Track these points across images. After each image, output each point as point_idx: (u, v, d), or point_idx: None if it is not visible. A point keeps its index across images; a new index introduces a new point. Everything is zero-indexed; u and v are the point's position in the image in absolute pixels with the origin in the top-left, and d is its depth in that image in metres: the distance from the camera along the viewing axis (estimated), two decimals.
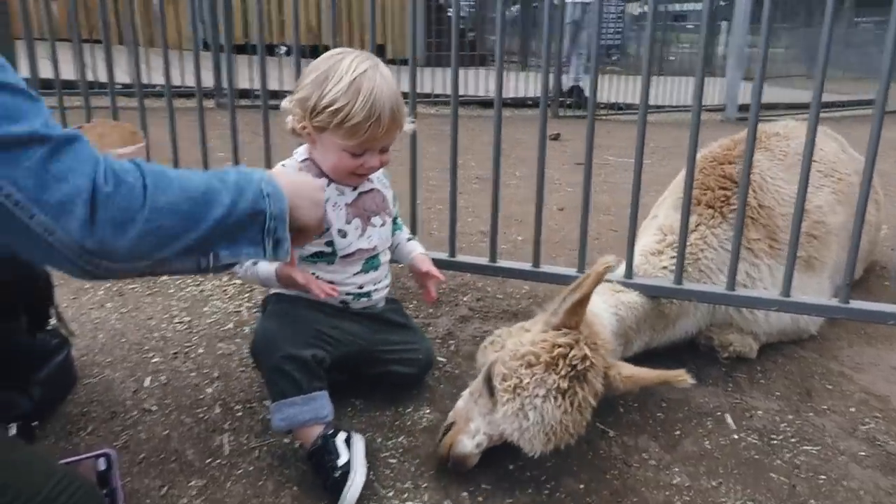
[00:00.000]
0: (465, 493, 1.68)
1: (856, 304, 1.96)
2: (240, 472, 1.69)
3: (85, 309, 2.41)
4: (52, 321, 1.86)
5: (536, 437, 1.57)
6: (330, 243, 1.78)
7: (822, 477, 1.79)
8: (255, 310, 2.43)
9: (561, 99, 8.67)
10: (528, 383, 1.57)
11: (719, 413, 2.03)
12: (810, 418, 2.02)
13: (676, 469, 1.81)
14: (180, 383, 2.00)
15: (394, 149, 1.80)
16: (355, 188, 1.83)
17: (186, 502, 1.59)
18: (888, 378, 2.24)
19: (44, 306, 1.79)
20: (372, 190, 1.88)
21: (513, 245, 3.38)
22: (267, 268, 1.74)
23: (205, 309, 2.42)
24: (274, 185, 1.23)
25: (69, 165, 0.99)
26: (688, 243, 2.06)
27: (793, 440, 1.93)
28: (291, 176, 1.43)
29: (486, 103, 8.36)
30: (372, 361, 1.94)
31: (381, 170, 1.95)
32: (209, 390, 1.98)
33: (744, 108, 8.62)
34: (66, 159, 0.99)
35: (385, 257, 1.94)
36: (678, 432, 1.95)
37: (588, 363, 1.59)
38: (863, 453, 1.88)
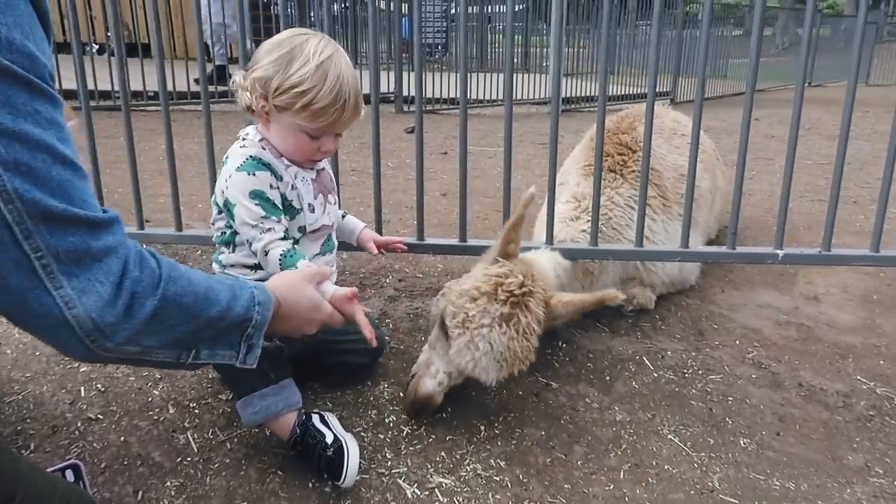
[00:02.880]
0: (443, 453, 1.77)
1: (741, 248, 2.32)
2: (216, 465, 1.65)
3: None
4: None
5: (490, 366, 1.73)
6: (302, 228, 1.77)
7: (730, 399, 2.10)
8: None
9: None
10: (474, 315, 1.72)
11: (637, 357, 2.29)
12: (708, 353, 2.35)
13: (616, 408, 2.02)
14: (120, 389, 1.87)
15: None
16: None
17: (167, 503, 1.52)
18: (757, 315, 2.65)
19: None
20: (324, 169, 1.89)
21: (413, 228, 3.47)
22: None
23: None
24: (265, 293, 1.29)
25: (109, 246, 1.02)
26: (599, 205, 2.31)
27: (700, 372, 2.23)
28: (304, 291, 1.44)
29: None
30: (326, 352, 1.94)
31: None
32: (156, 392, 1.87)
33: (567, 101, 9.38)
34: (106, 239, 1.02)
35: (335, 241, 1.96)
36: (608, 377, 2.17)
37: (525, 289, 1.77)
38: (755, 376, 2.23)
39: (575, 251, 2.26)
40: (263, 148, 1.72)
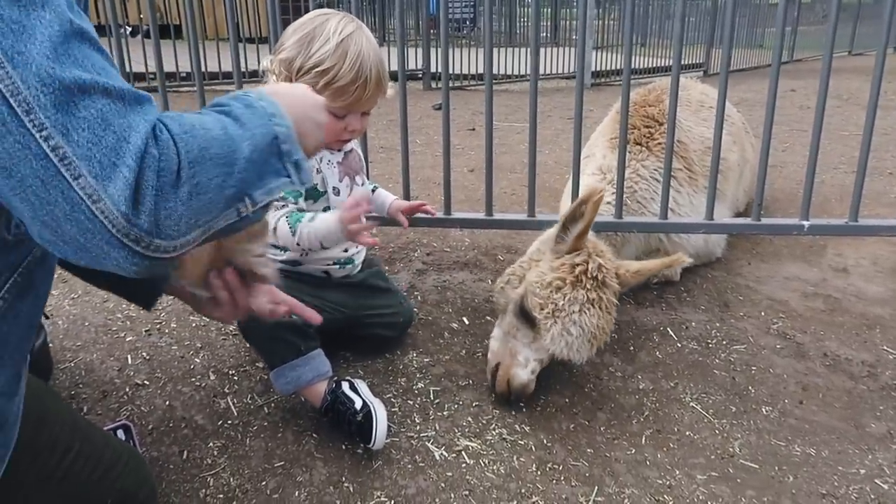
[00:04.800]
0: (469, 418, 1.84)
1: (766, 220, 2.33)
2: (255, 428, 1.74)
3: None
4: None
5: (583, 347, 1.80)
6: (327, 209, 1.84)
7: (754, 368, 2.13)
8: None
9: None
10: (563, 304, 1.79)
11: (661, 328, 2.33)
12: (733, 324, 2.37)
13: (639, 377, 2.07)
14: (164, 357, 1.98)
15: None
16: (341, 148, 1.89)
17: (210, 462, 1.63)
18: (783, 287, 2.66)
19: None
20: (352, 150, 1.95)
21: (441, 204, 3.52)
22: (327, 224, 1.69)
23: None
24: (273, 103, 1.05)
25: (133, 123, 0.83)
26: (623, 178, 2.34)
27: (724, 342, 2.26)
28: (288, 92, 1.18)
29: None
30: (355, 326, 2.01)
31: None
32: (197, 360, 1.98)
33: (597, 74, 9.26)
34: (130, 116, 0.83)
35: (364, 220, 2.01)
36: (632, 347, 2.21)
37: (604, 270, 1.83)
38: (779, 346, 2.25)
39: (600, 224, 2.29)
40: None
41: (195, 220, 0.88)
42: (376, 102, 1.78)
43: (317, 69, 1.64)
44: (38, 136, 0.77)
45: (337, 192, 1.85)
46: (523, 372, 1.83)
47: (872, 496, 1.63)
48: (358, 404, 1.69)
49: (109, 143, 0.81)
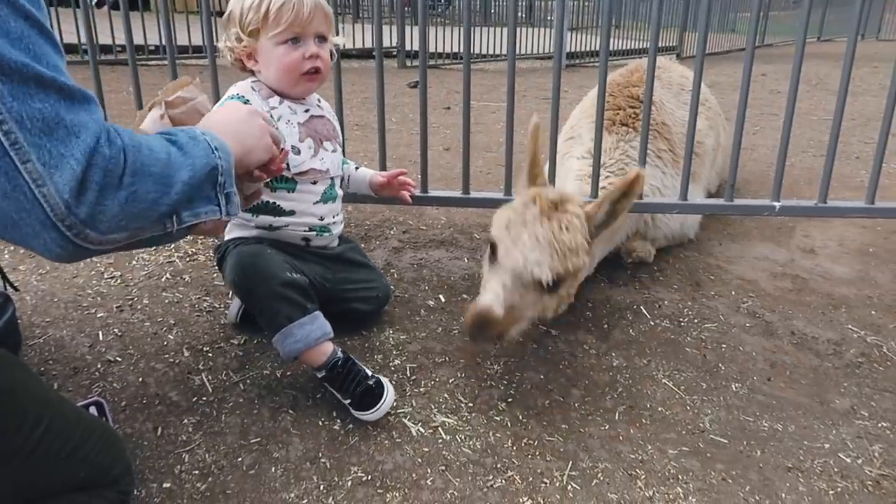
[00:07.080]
0: (446, 395, 1.85)
1: (739, 201, 2.36)
2: (230, 404, 1.73)
3: None
4: None
5: (542, 258, 1.73)
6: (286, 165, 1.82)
7: (724, 346, 2.17)
8: (189, 259, 2.38)
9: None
10: (515, 219, 1.80)
11: (635, 306, 2.36)
12: (704, 303, 2.42)
13: (613, 354, 2.10)
14: (137, 333, 1.95)
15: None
16: (307, 109, 1.87)
17: (185, 439, 1.61)
18: (753, 266, 2.71)
19: None
20: (323, 117, 1.93)
21: (416, 182, 3.51)
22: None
23: (133, 263, 2.33)
24: (217, 138, 1.16)
25: (83, 121, 0.91)
26: (613, 160, 2.34)
27: (695, 321, 2.30)
28: (223, 119, 1.30)
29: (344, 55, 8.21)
30: (333, 300, 2.00)
31: (328, 105, 2.02)
32: (170, 336, 1.95)
33: (571, 56, 9.27)
34: (81, 114, 0.91)
35: (340, 191, 2.00)
36: (606, 325, 2.24)
37: (559, 196, 1.83)
38: (748, 324, 2.30)
39: None
40: (253, 88, 1.80)
41: (125, 224, 0.97)
42: (325, 29, 1.79)
43: (253, 6, 1.71)
44: None
45: (297, 151, 1.82)
46: (486, 296, 1.76)
47: (836, 469, 1.68)
48: (368, 371, 1.72)
49: (60, 136, 0.88)
